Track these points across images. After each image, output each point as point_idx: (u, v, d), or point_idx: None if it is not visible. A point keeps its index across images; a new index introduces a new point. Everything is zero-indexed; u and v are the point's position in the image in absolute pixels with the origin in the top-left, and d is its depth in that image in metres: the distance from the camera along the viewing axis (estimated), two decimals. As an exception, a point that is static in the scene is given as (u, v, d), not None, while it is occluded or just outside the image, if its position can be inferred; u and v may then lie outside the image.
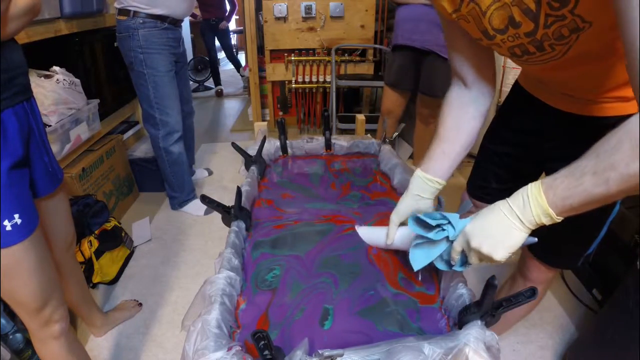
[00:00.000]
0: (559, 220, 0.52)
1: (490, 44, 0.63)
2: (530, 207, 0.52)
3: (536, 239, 0.60)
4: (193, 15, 4.47)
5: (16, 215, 0.70)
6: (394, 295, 0.71)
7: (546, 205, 0.51)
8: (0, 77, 0.69)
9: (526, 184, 0.59)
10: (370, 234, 0.85)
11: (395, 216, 0.78)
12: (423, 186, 0.77)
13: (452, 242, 0.63)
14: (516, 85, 0.91)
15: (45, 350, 0.89)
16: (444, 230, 0.64)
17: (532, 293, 0.54)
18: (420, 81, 2.02)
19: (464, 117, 0.76)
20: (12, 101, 0.72)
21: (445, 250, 0.65)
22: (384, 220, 0.92)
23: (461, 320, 0.58)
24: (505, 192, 1.02)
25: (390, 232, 0.78)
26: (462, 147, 0.76)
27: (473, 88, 0.74)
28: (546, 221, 0.52)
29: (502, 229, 0.56)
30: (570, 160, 0.49)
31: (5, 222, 0.69)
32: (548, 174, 0.88)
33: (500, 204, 0.57)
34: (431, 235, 0.64)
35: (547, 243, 0.89)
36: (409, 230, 0.71)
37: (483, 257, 0.59)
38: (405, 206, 0.77)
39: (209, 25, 4.33)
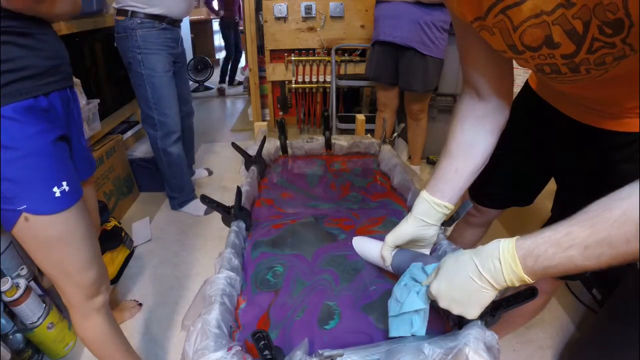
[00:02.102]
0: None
1: (515, 57, 0.58)
2: (502, 273, 0.47)
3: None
4: (216, 13, 4.78)
5: (64, 183, 0.74)
6: (393, 285, 0.71)
7: (522, 273, 0.45)
8: (49, 62, 0.74)
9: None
10: (365, 249, 0.79)
11: (392, 239, 0.69)
12: (429, 211, 0.67)
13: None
14: (527, 88, 0.86)
15: (87, 324, 0.90)
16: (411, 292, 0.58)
17: (531, 293, 0.54)
18: (399, 76, 2.08)
19: (479, 132, 0.67)
20: (58, 85, 0.77)
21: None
22: (377, 228, 0.91)
23: (461, 320, 0.58)
24: (507, 197, 1.02)
25: (385, 255, 0.70)
26: (476, 165, 0.68)
27: (489, 100, 0.66)
28: (517, 284, 0.48)
29: (471, 293, 0.51)
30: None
31: (55, 189, 0.72)
32: (559, 184, 0.87)
33: (467, 265, 0.50)
34: (405, 307, 0.58)
35: None
36: (407, 254, 0.68)
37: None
38: (406, 232, 0.68)
39: (229, 24, 4.61)
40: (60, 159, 0.75)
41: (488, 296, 0.50)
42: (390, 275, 0.74)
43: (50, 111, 0.74)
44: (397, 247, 0.70)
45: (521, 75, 2.16)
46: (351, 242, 0.82)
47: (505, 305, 0.55)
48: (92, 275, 0.84)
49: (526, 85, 0.88)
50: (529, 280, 0.46)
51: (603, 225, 0.40)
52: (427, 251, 0.73)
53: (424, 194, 0.69)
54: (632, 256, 0.38)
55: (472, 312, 0.52)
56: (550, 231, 0.44)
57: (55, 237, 0.75)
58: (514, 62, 0.64)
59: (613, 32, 0.44)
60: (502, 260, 0.47)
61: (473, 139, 0.68)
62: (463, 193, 0.70)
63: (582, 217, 0.42)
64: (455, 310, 0.53)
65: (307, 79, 3.08)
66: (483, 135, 0.68)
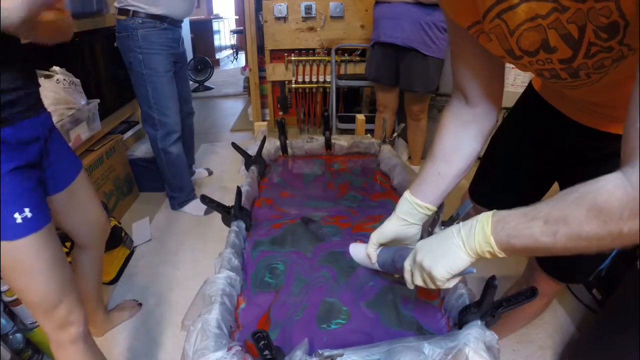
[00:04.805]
0: (501, 256, 0.49)
1: (514, 62, 0.57)
2: (475, 232, 0.51)
3: (474, 270, 0.56)
4: None
5: (26, 209, 0.71)
6: (391, 283, 0.73)
7: (489, 234, 0.49)
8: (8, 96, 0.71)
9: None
10: (358, 255, 0.79)
11: (376, 236, 0.71)
12: (411, 211, 0.70)
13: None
14: (530, 90, 0.86)
15: (63, 355, 0.86)
16: None
17: (532, 293, 0.54)
18: (400, 77, 2.08)
19: (464, 137, 0.68)
20: (20, 117, 0.74)
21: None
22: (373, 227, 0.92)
23: (461, 320, 0.59)
24: (507, 200, 1.01)
25: (370, 252, 0.72)
26: (460, 170, 0.69)
27: (477, 106, 0.67)
28: (488, 253, 0.50)
29: (446, 245, 0.54)
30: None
31: (16, 215, 0.70)
32: (562, 186, 0.87)
33: (454, 226, 0.55)
34: None
35: (562, 259, 0.87)
36: (390, 250, 0.70)
37: (425, 276, 0.57)
38: (389, 230, 0.71)
39: None
40: (19, 187, 0.72)
41: (459, 257, 0.53)
42: (386, 272, 0.75)
43: (5, 143, 0.70)
44: (381, 245, 0.72)
45: (521, 76, 2.16)
46: (347, 241, 0.83)
47: (506, 305, 0.55)
48: (55, 305, 0.79)
49: (529, 86, 0.87)
50: (495, 247, 0.49)
51: (563, 204, 0.43)
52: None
53: (406, 194, 0.71)
54: (585, 241, 0.41)
55: (439, 268, 0.54)
56: (525, 207, 0.47)
57: (16, 263, 0.73)
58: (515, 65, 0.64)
59: (608, 36, 0.44)
60: (478, 220, 0.51)
61: (457, 144, 0.69)
62: (446, 195, 0.71)
63: (553, 198, 0.45)
64: (426, 262, 0.56)
65: (307, 79, 3.08)
66: (467, 140, 0.68)
